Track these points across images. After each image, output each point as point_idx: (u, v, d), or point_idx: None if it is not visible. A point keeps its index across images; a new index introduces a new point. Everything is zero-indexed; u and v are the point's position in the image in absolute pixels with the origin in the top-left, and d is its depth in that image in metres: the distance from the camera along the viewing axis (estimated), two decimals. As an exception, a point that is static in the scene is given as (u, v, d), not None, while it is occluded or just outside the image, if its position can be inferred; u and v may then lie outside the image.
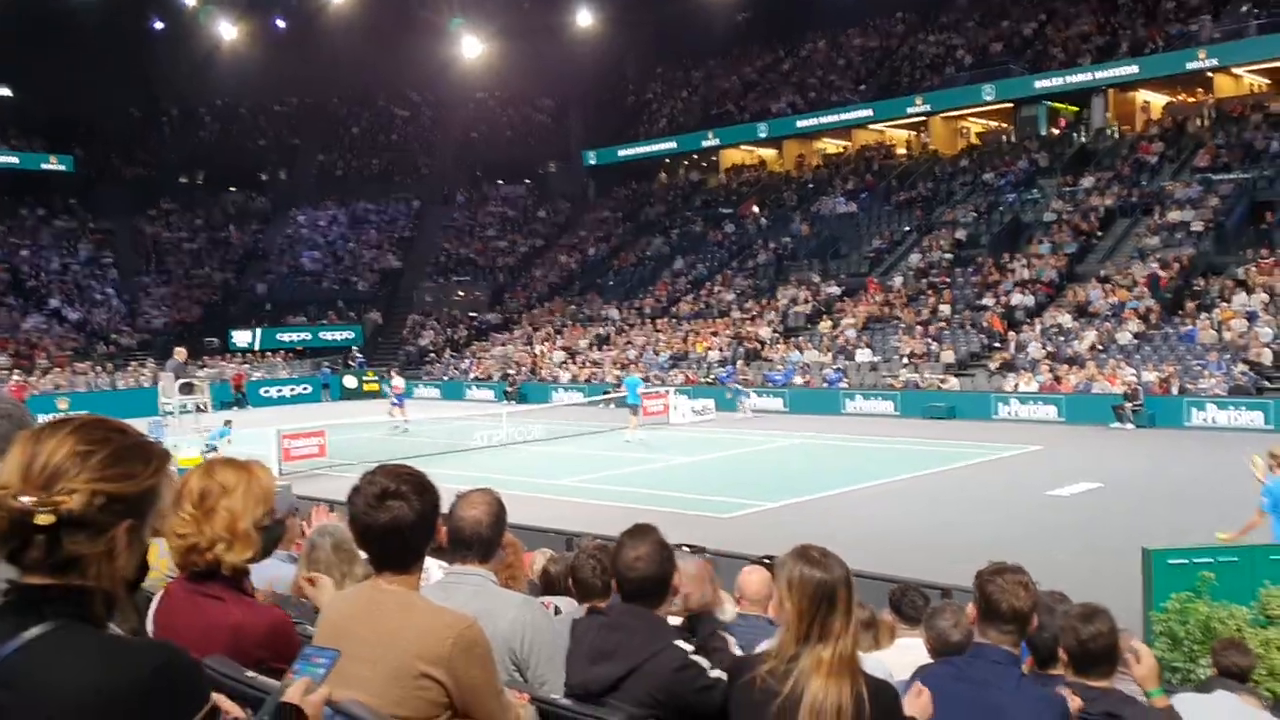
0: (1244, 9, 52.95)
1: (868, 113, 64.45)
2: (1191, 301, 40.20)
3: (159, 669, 2.48)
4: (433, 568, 5.70)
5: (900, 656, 6.11)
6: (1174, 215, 46.25)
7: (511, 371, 54.46)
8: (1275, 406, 33.45)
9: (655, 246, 66.04)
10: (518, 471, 27.60)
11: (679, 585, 4.48)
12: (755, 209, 64.29)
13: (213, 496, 3.96)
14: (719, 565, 8.99)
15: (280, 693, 3.20)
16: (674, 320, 55.28)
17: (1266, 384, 34.64)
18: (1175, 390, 34.59)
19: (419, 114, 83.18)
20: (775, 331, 50.11)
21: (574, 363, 53.78)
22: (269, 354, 62.31)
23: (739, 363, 47.50)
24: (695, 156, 74.97)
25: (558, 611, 5.44)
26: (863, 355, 44.97)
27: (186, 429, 32.01)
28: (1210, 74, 54.24)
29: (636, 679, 4.29)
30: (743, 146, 72.17)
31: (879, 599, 8.22)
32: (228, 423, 33.37)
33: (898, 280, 50.44)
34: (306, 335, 64.50)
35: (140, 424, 22.46)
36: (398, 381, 43.87)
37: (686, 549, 5.04)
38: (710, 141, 70.43)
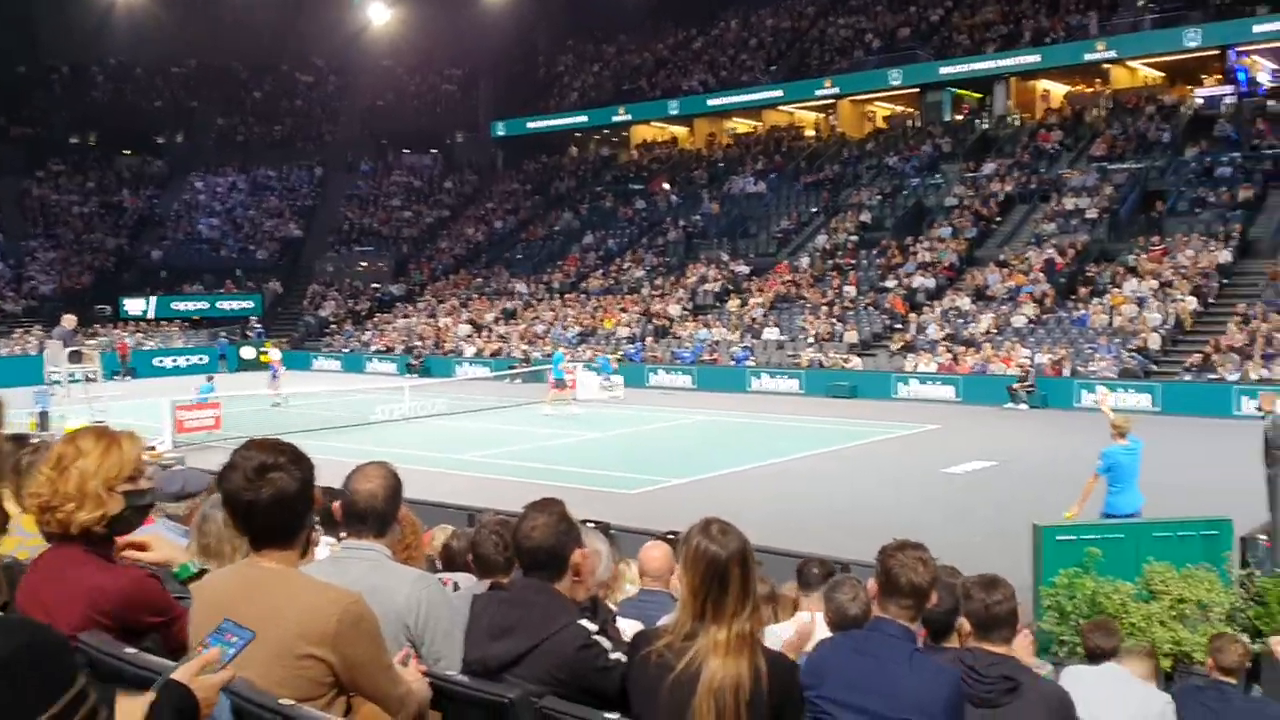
0: (1140, 3, 53.79)
1: (778, 93, 63.88)
2: (1084, 287, 40.73)
3: (18, 649, 2.34)
4: (321, 544, 5.60)
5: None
6: (1070, 202, 46.46)
7: (417, 344, 53.07)
8: (1163, 390, 34.12)
9: (565, 221, 64.99)
10: (420, 446, 27.24)
11: (583, 562, 4.37)
12: (666, 186, 63.79)
13: (68, 459, 3.92)
14: (623, 541, 9.30)
15: (170, 672, 3.12)
16: (583, 296, 54.34)
17: (1154, 367, 35.28)
18: (1067, 372, 35.23)
19: (324, 80, 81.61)
20: (684, 309, 49.59)
21: (480, 336, 52.64)
22: (164, 323, 60.78)
23: (648, 339, 47.02)
24: (606, 131, 74.22)
25: (456, 588, 5.36)
26: (770, 334, 44.64)
27: (75, 399, 31.32)
28: (1107, 65, 54.77)
29: (537, 656, 4.22)
30: (654, 123, 71.40)
31: (783, 573, 8.29)
32: (210, 378, 33.98)
33: (805, 261, 50.21)
34: (203, 304, 62.95)
35: (25, 393, 26.98)
36: (274, 354, 42.92)
37: (591, 525, 5.09)
38: (621, 117, 69.63)
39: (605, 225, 62.29)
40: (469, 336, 52.65)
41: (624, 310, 50.47)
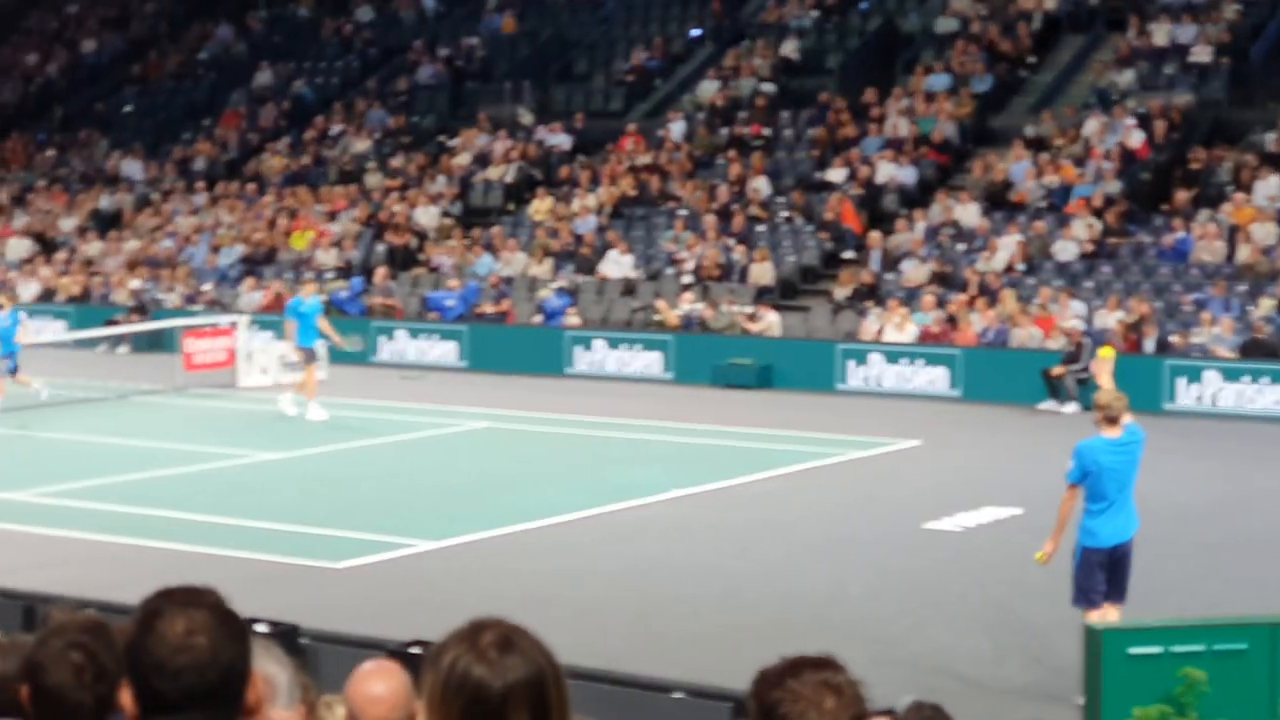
0: None
1: None
2: (1184, 190, 33.41)
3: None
4: None
5: None
6: (1162, 32, 38.04)
7: None
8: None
9: (218, 43, 52.78)
10: None
11: (260, 701, 3.70)
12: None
13: None
14: (323, 659, 9.41)
15: None
16: (250, 186, 43.53)
17: None
18: (1151, 346, 29.99)
19: None
20: (447, 215, 39.41)
21: (48, 262, 41.96)
22: None
23: (380, 271, 36.82)
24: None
25: None
26: (610, 265, 35.87)
27: None
28: None
29: None
30: None
31: (614, 713, 7.87)
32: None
33: (677, 127, 40.22)
34: None
35: None
36: None
37: (262, 630, 4.66)
38: None
39: (296, 53, 50.81)
40: (27, 262, 42.24)
41: (330, 216, 40.19)
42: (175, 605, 3.61)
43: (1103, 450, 12.24)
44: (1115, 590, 11.73)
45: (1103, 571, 11.77)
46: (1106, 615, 11.65)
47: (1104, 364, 13.76)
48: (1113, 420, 12.33)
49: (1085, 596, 11.70)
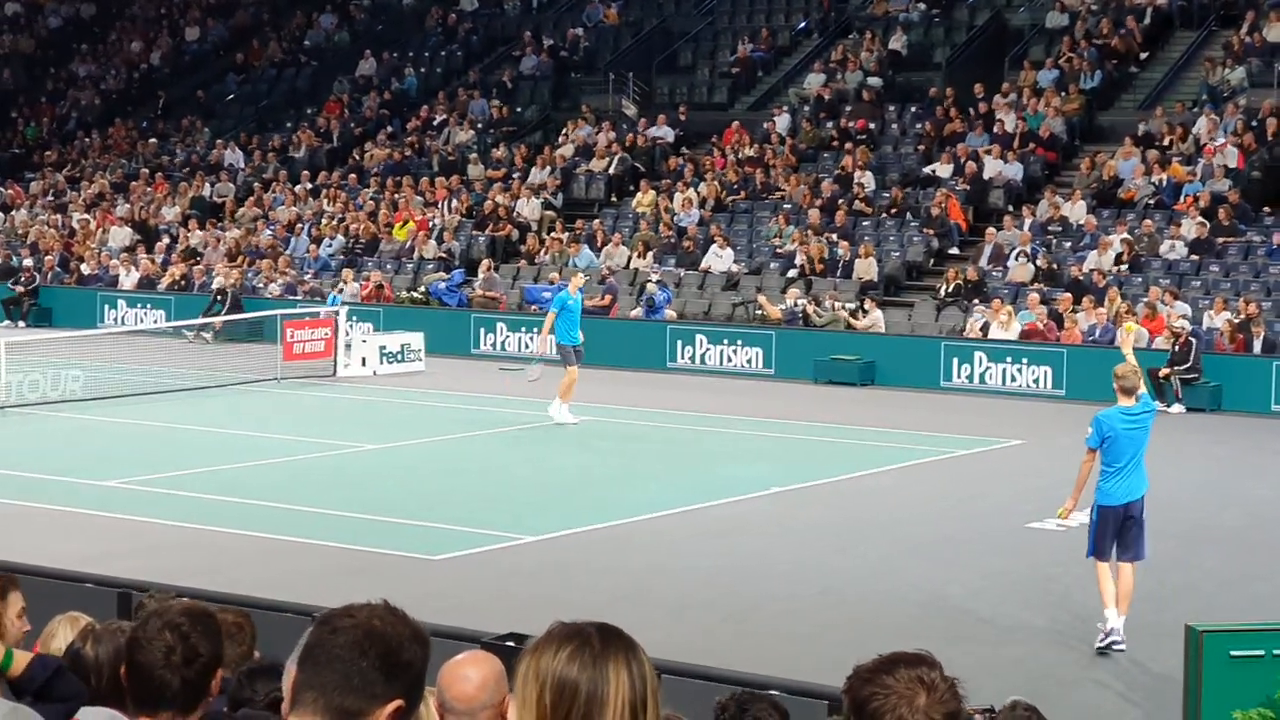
0: None
1: None
2: None
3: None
4: None
5: None
6: (1274, 30, 37.34)
7: (20, 262, 41.57)
8: None
9: (321, 31, 52.49)
10: (19, 461, 22.55)
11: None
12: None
13: None
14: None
15: None
16: (353, 176, 43.12)
17: None
18: (1258, 346, 29.89)
19: None
20: (549, 208, 39.13)
21: (147, 252, 41.22)
22: None
23: (485, 264, 36.30)
24: None
25: None
26: (713, 260, 35.51)
27: None
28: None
29: None
30: None
31: (709, 712, 6.71)
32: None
33: (782, 121, 39.89)
34: None
35: None
36: None
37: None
38: None
39: (399, 42, 50.36)
40: (130, 250, 41.38)
41: (431, 205, 40.07)
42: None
43: (1119, 419, 13.30)
44: (1126, 548, 12.77)
45: (1114, 527, 12.77)
46: (1120, 570, 12.68)
47: (1127, 338, 15.22)
48: (1128, 391, 13.33)
49: (1098, 549, 12.76)
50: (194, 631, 4.20)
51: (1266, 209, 33.23)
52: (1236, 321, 29.46)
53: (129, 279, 39.90)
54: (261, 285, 37.11)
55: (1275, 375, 29.09)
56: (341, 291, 35.05)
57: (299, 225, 40.69)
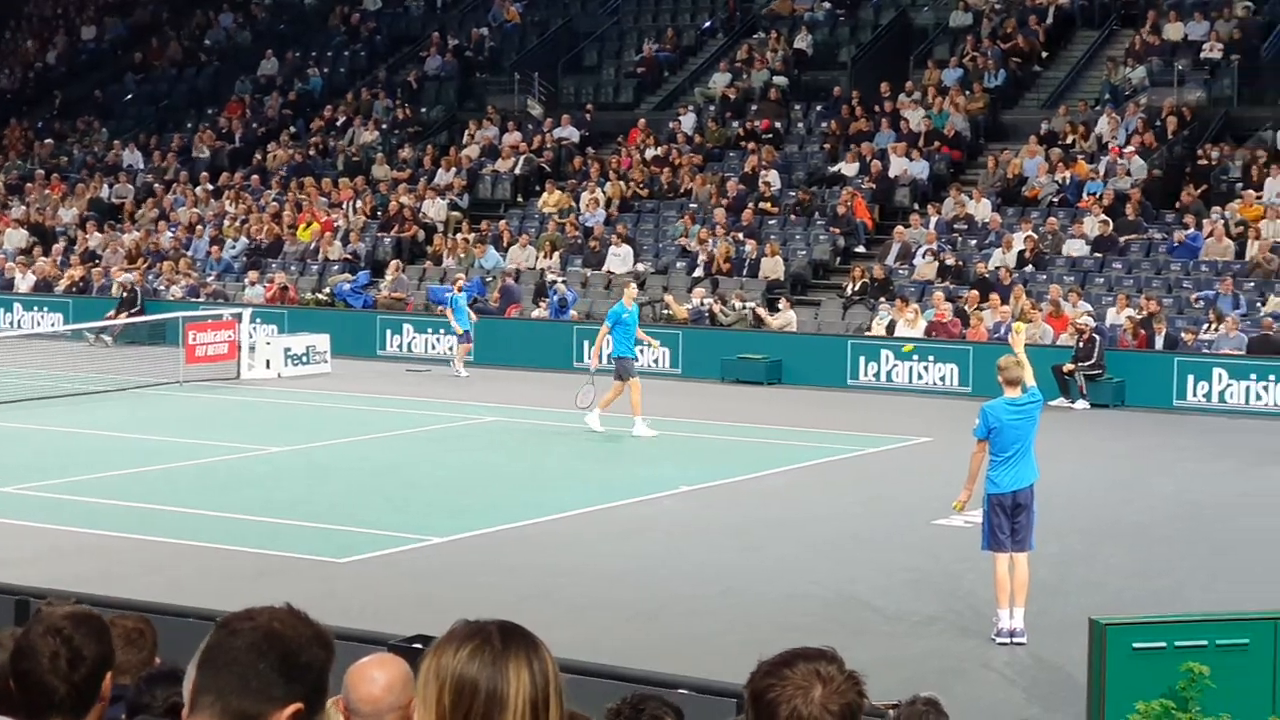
0: None
1: None
2: (1195, 186, 33.71)
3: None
4: None
5: None
6: (1175, 30, 38.09)
7: None
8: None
9: (221, 30, 52.04)
10: None
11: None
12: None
13: None
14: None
15: None
16: (256, 177, 42.92)
17: None
18: (1160, 342, 30.44)
19: None
20: (455, 209, 39.08)
21: (44, 254, 40.95)
22: None
23: (393, 265, 36.35)
24: None
25: None
26: (613, 259, 35.57)
27: None
28: None
29: None
30: None
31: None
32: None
33: (688, 120, 40.17)
34: None
35: None
36: None
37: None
38: None
39: (301, 41, 50.13)
40: (26, 253, 41.22)
41: (336, 207, 39.87)
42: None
43: (1004, 409, 13.60)
44: (1019, 539, 12.97)
45: (1006, 517, 13.01)
46: (1014, 561, 12.88)
47: (1018, 339, 15.42)
48: (1012, 382, 13.57)
49: (993, 540, 12.98)
50: (78, 634, 4.12)
51: (1168, 208, 33.57)
52: (1139, 318, 29.87)
53: (25, 282, 39.18)
54: (163, 288, 36.43)
55: (1177, 371, 29.48)
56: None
57: (200, 227, 40.16)
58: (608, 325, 26.09)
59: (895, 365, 31.61)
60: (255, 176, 41.71)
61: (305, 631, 3.17)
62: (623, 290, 26.98)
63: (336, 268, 36.09)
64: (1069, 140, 34.74)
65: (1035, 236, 32.15)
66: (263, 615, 3.25)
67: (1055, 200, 33.39)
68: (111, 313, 34.89)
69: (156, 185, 42.82)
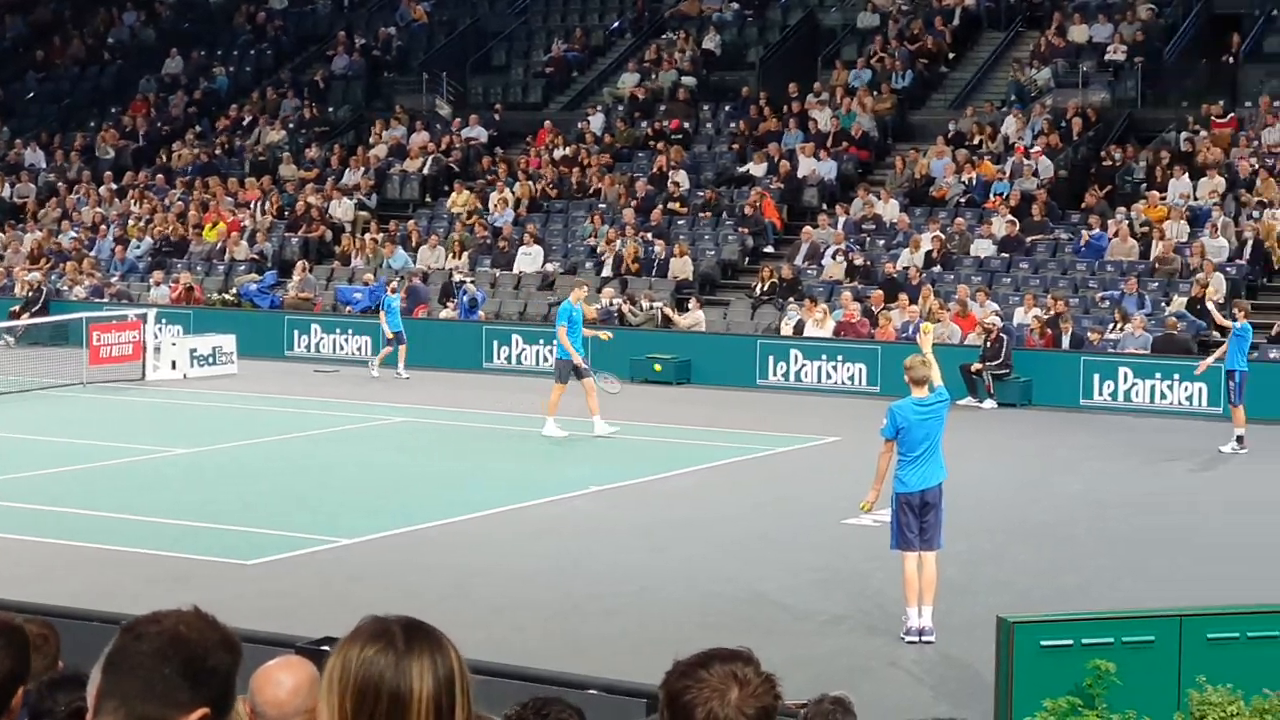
0: None
1: None
2: (1100, 187, 33.95)
3: None
4: None
5: None
6: (1080, 31, 38.50)
7: None
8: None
9: (126, 29, 51.56)
10: None
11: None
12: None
13: None
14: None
15: None
16: (161, 176, 42.44)
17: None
18: (1067, 341, 30.66)
19: None
20: (363, 209, 38.80)
21: None
22: None
23: (300, 265, 36.08)
24: None
25: None
26: (526, 260, 35.58)
27: None
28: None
29: None
30: None
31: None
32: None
33: (596, 120, 40.36)
34: None
35: None
36: None
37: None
38: None
39: (206, 40, 49.93)
40: None
41: (242, 206, 39.62)
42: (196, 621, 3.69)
43: (911, 409, 13.63)
44: (927, 538, 13.01)
45: (914, 516, 13.03)
46: (923, 560, 12.92)
47: (925, 338, 15.61)
48: (918, 382, 13.63)
49: (901, 539, 13.01)
50: None
51: (1073, 208, 33.78)
52: (1046, 318, 30.08)
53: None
54: (66, 288, 35.89)
55: (1083, 370, 29.75)
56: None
57: (104, 227, 39.73)
58: (563, 324, 25.88)
59: (804, 365, 31.47)
60: (160, 176, 41.17)
61: (212, 635, 3.15)
62: (570, 290, 26.75)
63: (243, 268, 35.67)
64: (976, 141, 34.83)
65: (943, 237, 32.15)
66: (169, 619, 3.23)
67: (962, 200, 33.40)
68: (16, 308, 34.39)
69: (59, 184, 42.17)
